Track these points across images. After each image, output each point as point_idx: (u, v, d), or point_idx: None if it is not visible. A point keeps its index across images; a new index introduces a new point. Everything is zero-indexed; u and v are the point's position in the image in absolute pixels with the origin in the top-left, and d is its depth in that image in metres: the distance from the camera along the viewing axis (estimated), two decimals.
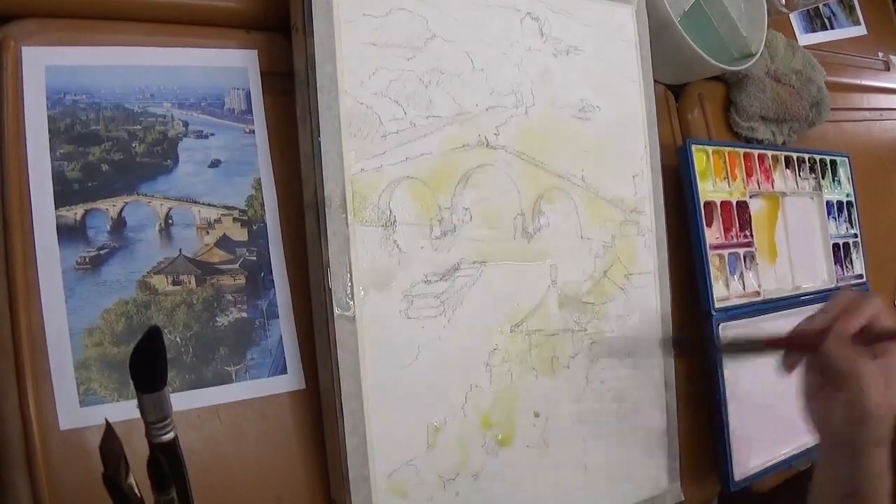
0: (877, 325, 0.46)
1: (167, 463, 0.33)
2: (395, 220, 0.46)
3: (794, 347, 0.49)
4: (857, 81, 0.88)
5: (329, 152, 0.44)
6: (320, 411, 0.46)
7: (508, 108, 0.52)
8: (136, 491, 0.33)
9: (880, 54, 0.93)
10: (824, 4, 0.86)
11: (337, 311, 0.44)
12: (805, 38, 0.84)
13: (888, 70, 0.93)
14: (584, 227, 0.55)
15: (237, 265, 0.46)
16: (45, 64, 0.43)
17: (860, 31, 0.91)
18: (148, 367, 0.32)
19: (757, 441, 0.64)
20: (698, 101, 0.68)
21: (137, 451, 0.34)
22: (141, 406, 0.33)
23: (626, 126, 0.58)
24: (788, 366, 0.50)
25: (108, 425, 0.33)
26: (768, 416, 0.66)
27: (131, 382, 0.32)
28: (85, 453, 0.40)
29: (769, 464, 0.65)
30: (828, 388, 0.47)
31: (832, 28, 0.88)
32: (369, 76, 0.46)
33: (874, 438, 0.45)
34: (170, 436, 0.34)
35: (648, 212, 0.58)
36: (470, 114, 0.50)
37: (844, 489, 0.46)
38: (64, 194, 0.42)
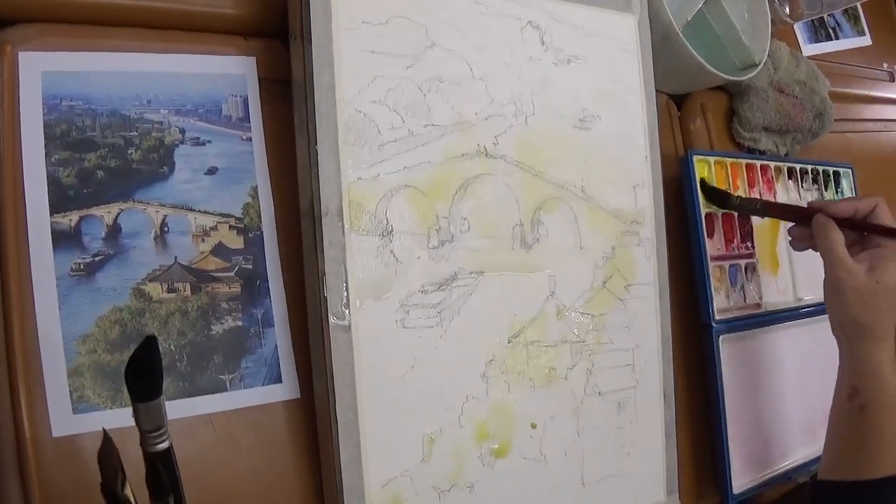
0: (872, 219, 0.51)
1: (164, 471, 0.33)
2: (392, 230, 0.46)
3: (787, 215, 0.56)
4: (862, 92, 0.88)
5: (326, 161, 0.44)
6: (315, 421, 0.46)
7: (508, 117, 0.52)
8: (133, 501, 0.33)
9: (885, 65, 0.93)
10: (829, 15, 0.86)
11: (332, 320, 0.44)
12: (809, 49, 0.84)
13: (893, 81, 0.93)
14: (583, 237, 0.54)
15: (233, 273, 0.46)
16: (41, 69, 0.43)
17: (865, 41, 0.91)
18: (144, 377, 0.32)
19: (756, 454, 0.64)
20: (701, 111, 0.68)
21: (130, 458, 0.34)
22: (136, 415, 0.33)
23: (627, 136, 0.58)
24: (796, 238, 0.55)
25: (106, 434, 0.33)
26: (768, 429, 0.66)
27: (126, 391, 0.32)
28: (77, 461, 0.40)
29: (769, 476, 0.64)
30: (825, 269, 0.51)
31: (837, 38, 0.88)
32: (368, 84, 0.46)
33: (860, 323, 0.48)
34: (164, 445, 0.34)
35: (649, 222, 0.58)
36: (469, 123, 0.50)
37: (849, 381, 0.48)
38: (59, 200, 0.42)
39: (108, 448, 0.32)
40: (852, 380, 0.47)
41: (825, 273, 0.51)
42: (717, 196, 0.62)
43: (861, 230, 0.52)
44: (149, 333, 0.33)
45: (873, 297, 0.47)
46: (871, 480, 0.45)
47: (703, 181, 0.62)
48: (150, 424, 0.33)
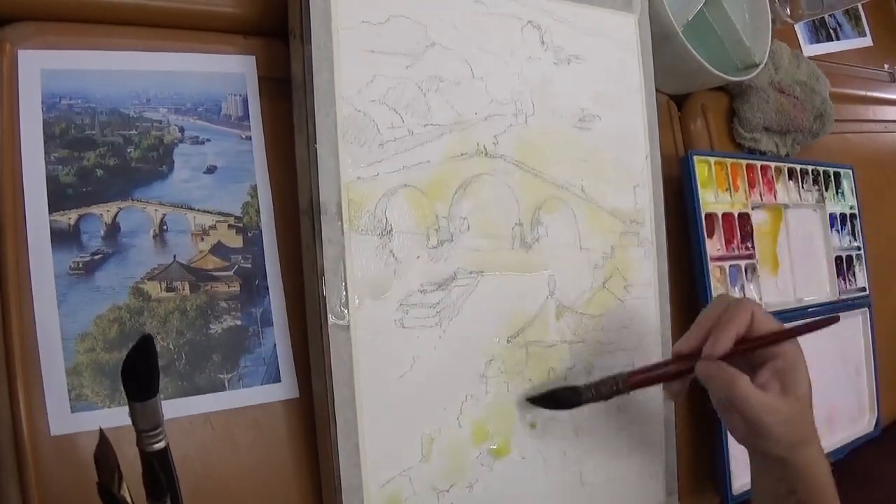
0: (753, 332, 0.45)
1: (161, 470, 0.33)
2: (391, 229, 0.46)
3: (665, 377, 0.47)
4: (863, 93, 0.88)
5: (325, 159, 0.44)
6: (314, 420, 0.46)
7: (508, 116, 0.51)
8: (129, 500, 0.33)
9: (886, 66, 0.93)
10: (830, 15, 0.86)
11: (331, 319, 0.44)
12: (810, 49, 0.84)
13: (894, 81, 0.93)
14: (583, 237, 0.54)
15: (232, 272, 0.46)
16: (40, 67, 0.43)
17: (866, 42, 0.91)
18: (140, 376, 0.32)
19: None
20: (701, 111, 0.68)
21: (128, 457, 0.34)
22: (133, 414, 0.33)
23: (627, 136, 0.58)
24: (673, 394, 0.48)
25: (102, 434, 0.33)
26: None
27: (123, 390, 0.32)
28: (75, 459, 0.40)
29: None
30: (723, 405, 0.46)
31: (838, 39, 0.88)
32: (367, 83, 0.46)
33: (791, 443, 0.44)
34: (161, 444, 0.34)
35: (649, 223, 0.58)
36: (469, 122, 0.50)
37: (782, 489, 0.46)
38: (58, 199, 0.42)
39: (104, 447, 0.32)
40: (787, 484, 0.45)
41: (735, 416, 0.44)
42: (563, 398, 0.49)
43: (750, 350, 0.45)
44: (146, 333, 0.33)
45: (799, 416, 0.44)
46: None
47: (551, 392, 0.50)
48: (146, 424, 0.33)
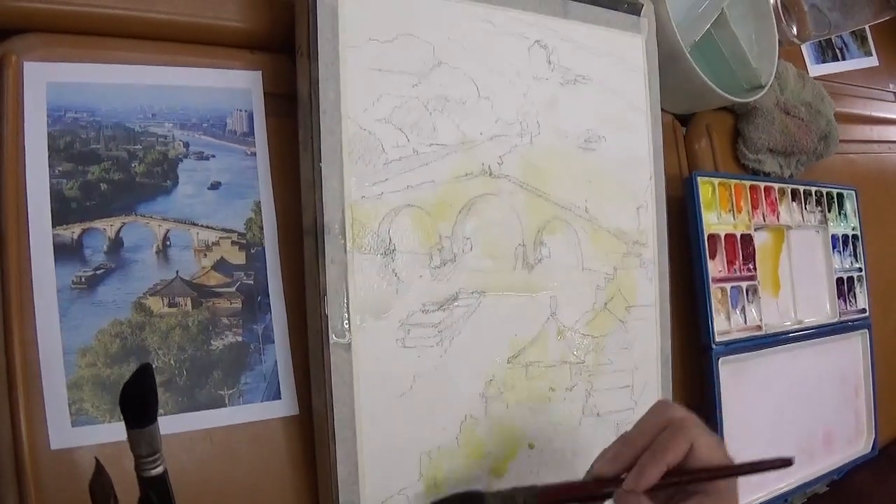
0: (690, 463, 0.38)
1: (157, 497, 0.33)
2: (394, 249, 0.46)
3: (581, 500, 0.39)
4: (868, 113, 0.87)
5: (330, 178, 0.44)
6: (313, 438, 0.46)
7: (513, 136, 0.51)
8: None
9: (892, 86, 0.92)
10: (836, 35, 0.85)
11: (333, 338, 0.43)
12: (816, 69, 0.83)
13: None
14: (585, 258, 0.54)
15: (234, 289, 0.46)
16: (46, 80, 0.42)
17: (872, 62, 0.90)
18: (138, 403, 0.32)
19: (754, 475, 0.63)
20: (706, 131, 0.68)
21: (128, 472, 0.33)
22: (130, 441, 0.32)
23: (631, 157, 0.57)
24: None
25: (98, 464, 0.32)
26: (766, 451, 0.65)
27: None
28: (75, 473, 0.40)
29: (766, 498, 0.64)
30: None
31: (844, 59, 0.87)
32: (373, 102, 0.46)
33: None
34: (159, 470, 0.33)
35: (651, 244, 0.58)
36: (474, 142, 0.49)
37: None
38: (61, 213, 0.42)
39: (99, 477, 0.31)
40: None
41: None
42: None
43: (681, 483, 0.39)
44: (145, 362, 0.32)
45: None
46: None
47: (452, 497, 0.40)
48: (144, 450, 0.32)
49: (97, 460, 0.31)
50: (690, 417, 0.40)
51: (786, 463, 0.41)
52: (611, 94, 0.56)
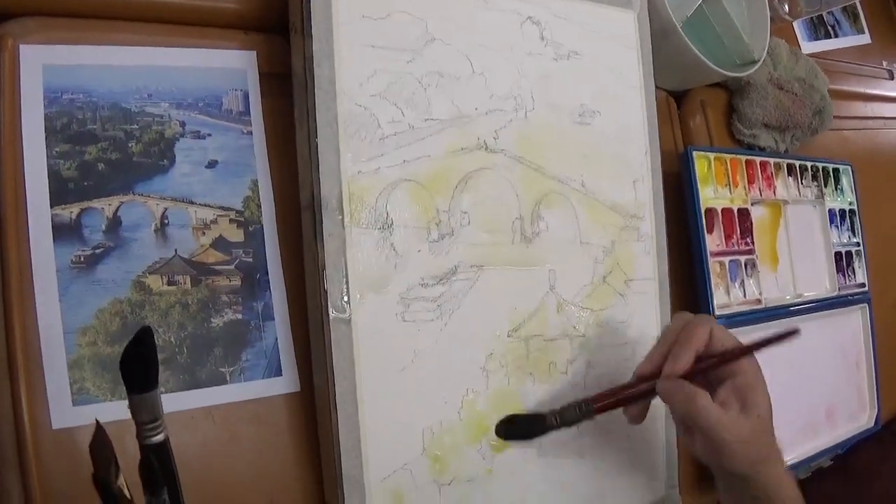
0: (712, 349, 0.44)
1: (158, 465, 0.33)
2: (392, 223, 0.46)
3: (629, 400, 0.46)
4: (861, 90, 0.87)
5: (326, 154, 0.43)
6: (315, 414, 0.46)
7: (508, 111, 0.51)
8: (127, 492, 0.32)
9: (885, 63, 0.92)
10: (828, 12, 0.85)
11: (332, 313, 0.43)
12: (808, 46, 0.83)
13: (892, 79, 0.92)
14: (583, 232, 0.53)
15: (233, 266, 0.45)
16: (42, 63, 0.42)
17: (864, 39, 0.90)
18: (139, 368, 0.32)
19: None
20: (700, 107, 0.67)
21: (129, 451, 0.33)
22: (132, 407, 0.32)
23: (626, 131, 0.57)
24: (634, 418, 0.47)
25: (99, 425, 0.32)
26: None
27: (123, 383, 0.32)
28: (77, 453, 0.40)
29: None
30: (685, 424, 0.45)
31: (836, 36, 0.87)
32: (367, 78, 0.45)
33: (752, 460, 0.43)
34: (160, 437, 0.33)
35: (649, 218, 0.57)
36: (469, 117, 0.49)
37: (746, 499, 0.44)
38: (59, 193, 0.41)
39: (100, 438, 0.31)
40: (751, 501, 0.44)
41: (696, 434, 0.44)
42: (525, 426, 0.46)
43: (710, 368, 0.44)
44: (145, 325, 0.32)
45: (760, 434, 0.43)
46: None
47: (511, 419, 0.46)
48: (145, 416, 0.32)
49: (97, 422, 0.31)
50: (704, 314, 0.46)
51: (793, 333, 0.46)
52: (604, 70, 0.56)
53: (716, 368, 0.44)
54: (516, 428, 0.47)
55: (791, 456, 0.66)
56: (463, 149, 0.49)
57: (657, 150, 0.58)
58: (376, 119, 0.45)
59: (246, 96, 0.47)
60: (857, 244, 0.77)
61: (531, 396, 0.50)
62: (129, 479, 0.32)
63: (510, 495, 0.49)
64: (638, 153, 0.57)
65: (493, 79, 0.50)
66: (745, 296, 0.64)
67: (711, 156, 0.63)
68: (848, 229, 0.76)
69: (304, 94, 0.44)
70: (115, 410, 0.40)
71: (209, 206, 0.45)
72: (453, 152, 0.48)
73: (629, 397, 0.46)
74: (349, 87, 0.44)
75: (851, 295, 0.74)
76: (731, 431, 0.42)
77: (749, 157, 0.66)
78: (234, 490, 0.44)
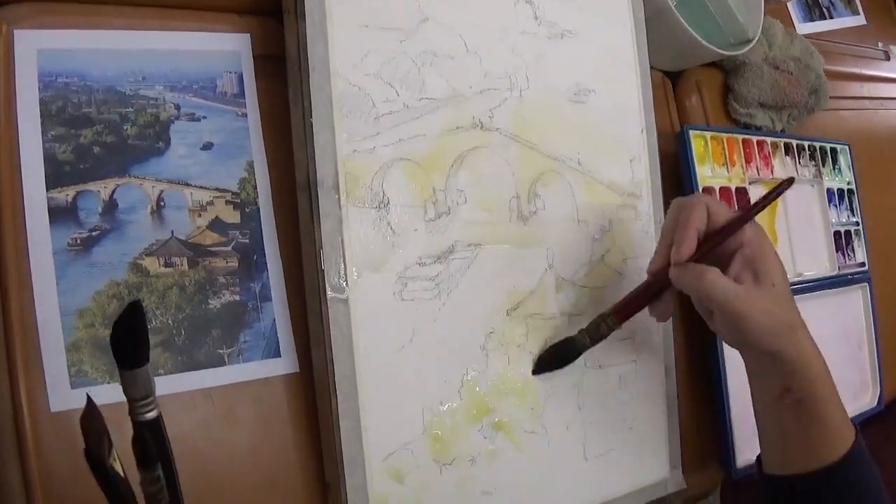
0: (714, 224, 0.44)
1: (152, 441, 0.32)
2: (388, 202, 0.45)
3: (647, 299, 0.46)
4: (857, 71, 0.86)
5: (321, 133, 0.43)
6: (314, 395, 0.45)
7: (503, 90, 0.50)
8: (120, 468, 0.32)
9: (880, 44, 0.91)
10: None
11: (330, 293, 0.43)
12: (803, 28, 0.82)
13: (888, 60, 0.91)
14: (580, 210, 0.53)
15: (230, 247, 0.45)
16: (37, 47, 0.42)
17: (859, 20, 0.90)
18: (129, 343, 0.31)
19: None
20: (696, 87, 0.67)
21: (127, 432, 0.32)
22: (123, 383, 0.31)
23: (622, 110, 0.56)
24: (659, 314, 0.47)
25: (90, 400, 0.31)
26: None
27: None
28: (75, 435, 0.38)
29: None
30: (705, 308, 0.45)
31: (831, 18, 0.86)
32: (361, 58, 0.45)
33: (775, 331, 0.42)
34: (153, 414, 0.32)
35: (646, 196, 0.57)
36: (464, 96, 0.49)
37: (776, 389, 0.43)
38: (55, 176, 0.41)
39: (91, 413, 0.30)
40: (781, 381, 0.43)
41: (714, 314, 0.44)
42: (561, 353, 0.49)
43: (717, 244, 0.44)
44: (134, 299, 0.32)
45: (779, 302, 0.42)
46: (824, 468, 0.42)
47: (549, 351, 0.49)
48: (137, 392, 0.31)
49: (88, 397, 0.30)
50: (696, 194, 0.46)
51: (789, 181, 0.46)
52: (598, 49, 0.56)
53: (721, 243, 0.43)
54: (550, 358, 0.49)
55: None
56: (458, 128, 0.48)
57: (653, 129, 0.58)
58: (371, 98, 0.45)
59: (240, 79, 0.47)
60: (857, 224, 0.76)
61: (532, 376, 0.50)
62: (127, 460, 0.32)
63: (511, 475, 0.49)
64: (634, 131, 0.57)
65: (487, 58, 0.50)
66: None
67: (708, 135, 0.62)
68: (847, 208, 0.76)
69: (299, 74, 0.44)
70: (114, 392, 0.39)
71: (205, 188, 0.45)
72: (448, 131, 0.48)
73: (647, 297, 0.46)
74: (343, 68, 0.44)
75: (852, 274, 0.74)
76: (745, 302, 0.41)
77: (746, 137, 0.66)
78: (235, 471, 0.43)
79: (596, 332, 0.48)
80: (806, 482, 0.43)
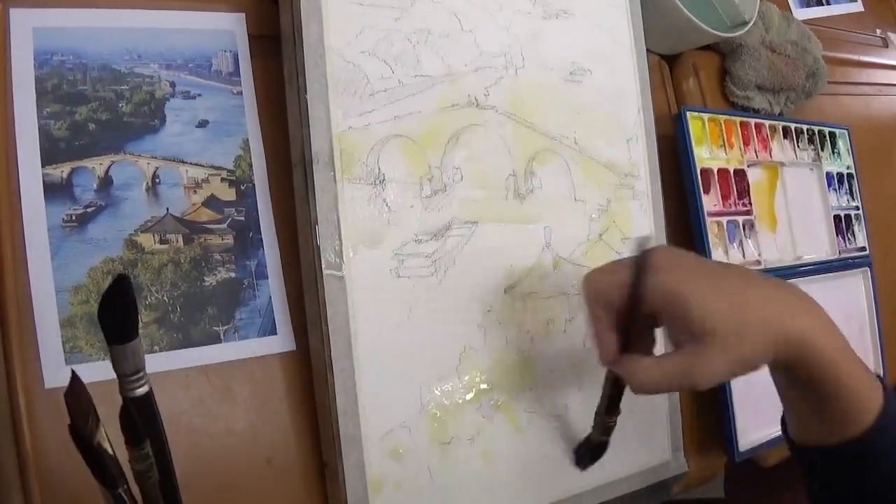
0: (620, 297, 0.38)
1: (142, 418, 0.31)
2: (384, 179, 0.44)
3: (620, 382, 0.43)
4: (855, 57, 0.85)
5: (316, 109, 0.42)
6: (311, 373, 0.44)
7: (498, 69, 0.50)
8: (107, 444, 0.31)
9: (878, 31, 0.90)
10: None
11: (326, 269, 0.42)
12: (801, 14, 0.81)
13: (886, 47, 0.90)
14: (577, 189, 0.52)
15: (225, 225, 0.44)
16: (32, 25, 0.42)
17: (857, 7, 0.88)
18: (118, 318, 0.30)
19: (762, 411, 0.60)
20: (693, 70, 0.66)
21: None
22: (113, 358, 0.30)
23: (618, 90, 0.55)
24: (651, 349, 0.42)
25: (74, 376, 0.30)
26: (767, 388, 0.63)
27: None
28: None
29: (775, 434, 0.61)
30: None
31: (828, 4, 0.85)
32: (356, 35, 0.45)
33: (756, 352, 0.36)
34: (143, 389, 0.31)
35: (644, 176, 0.56)
36: (459, 74, 0.48)
37: (804, 408, 0.39)
38: (50, 153, 0.41)
39: (76, 389, 0.29)
40: (785, 374, 0.39)
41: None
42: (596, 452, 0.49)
43: (633, 322, 0.38)
44: (121, 272, 0.31)
45: (731, 333, 0.36)
46: (855, 438, 0.39)
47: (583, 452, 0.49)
48: (127, 367, 0.30)
49: (73, 372, 0.29)
50: (583, 278, 0.40)
51: (645, 239, 0.40)
52: (594, 28, 0.55)
53: (638, 320, 0.38)
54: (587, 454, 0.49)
55: None
56: (454, 105, 0.48)
57: (650, 109, 0.57)
58: (366, 75, 0.45)
59: (235, 57, 0.46)
60: (857, 208, 0.75)
61: (529, 354, 0.49)
62: (121, 437, 0.31)
63: (510, 455, 0.47)
64: (631, 111, 0.56)
65: (482, 36, 0.49)
66: (744, 257, 0.62)
67: (706, 116, 0.61)
68: (846, 193, 0.74)
69: (293, 51, 0.43)
70: (109, 369, 0.38)
71: (200, 165, 0.44)
72: (444, 108, 0.47)
73: (618, 382, 0.43)
74: (338, 45, 0.44)
75: (852, 258, 0.72)
76: (697, 364, 0.36)
77: (744, 119, 0.65)
78: (232, 449, 0.42)
79: (605, 428, 0.47)
80: (839, 453, 0.40)
